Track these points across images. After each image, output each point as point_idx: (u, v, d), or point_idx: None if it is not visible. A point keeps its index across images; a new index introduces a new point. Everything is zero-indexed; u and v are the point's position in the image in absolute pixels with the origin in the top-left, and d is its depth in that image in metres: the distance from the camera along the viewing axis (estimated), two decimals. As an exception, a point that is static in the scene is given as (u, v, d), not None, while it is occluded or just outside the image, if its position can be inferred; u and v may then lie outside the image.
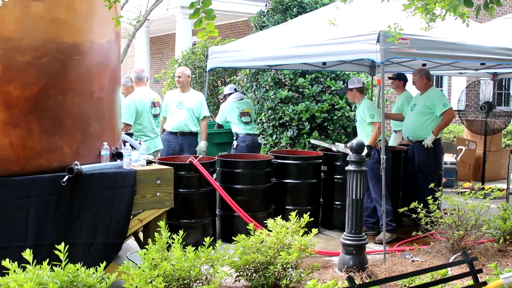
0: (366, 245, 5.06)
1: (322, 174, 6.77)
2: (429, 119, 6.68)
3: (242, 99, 8.24)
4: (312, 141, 8.35)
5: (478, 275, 3.64)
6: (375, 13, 6.32)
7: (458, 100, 10.96)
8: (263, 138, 9.39)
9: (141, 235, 5.22)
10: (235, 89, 8.53)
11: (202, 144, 7.50)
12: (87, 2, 4.41)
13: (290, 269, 4.36)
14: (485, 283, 3.61)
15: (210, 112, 8.63)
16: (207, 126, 7.64)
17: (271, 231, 4.48)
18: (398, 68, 8.63)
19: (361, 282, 4.23)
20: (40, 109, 4.16)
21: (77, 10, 4.33)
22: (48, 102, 4.19)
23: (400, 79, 8.05)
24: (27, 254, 3.43)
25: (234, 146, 7.94)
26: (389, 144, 7.69)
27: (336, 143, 7.21)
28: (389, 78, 9.11)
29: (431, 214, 5.50)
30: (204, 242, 4.03)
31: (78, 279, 3.37)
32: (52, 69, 4.20)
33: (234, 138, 7.98)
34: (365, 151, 6.06)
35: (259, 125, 9.50)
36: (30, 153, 4.17)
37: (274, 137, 9.33)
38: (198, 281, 3.89)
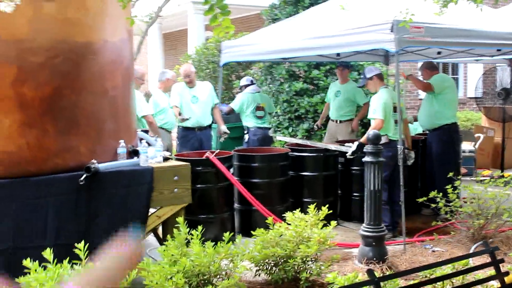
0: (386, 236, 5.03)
1: (339, 165, 6.73)
2: (436, 103, 6.70)
3: (258, 92, 8.23)
4: (279, 137, 8.26)
5: (500, 265, 3.58)
6: (389, 0, 6.25)
7: (475, 88, 10.84)
8: (279, 131, 9.34)
9: (160, 231, 5.23)
10: (252, 81, 8.48)
11: (223, 127, 7.55)
12: (98, 1, 4.41)
13: (310, 262, 4.35)
14: (507, 273, 3.55)
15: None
16: (220, 112, 7.75)
17: (290, 224, 4.46)
18: (412, 57, 8.54)
19: (381, 274, 4.22)
20: (54, 109, 4.17)
21: (89, 10, 4.33)
22: (62, 102, 4.21)
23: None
24: (47, 254, 3.45)
25: (246, 140, 7.93)
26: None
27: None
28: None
29: (451, 204, 5.45)
30: (223, 237, 4.02)
31: (98, 277, 3.37)
32: (65, 69, 4.21)
33: (245, 132, 7.97)
34: (354, 147, 5.79)
35: (275, 118, 9.47)
36: (47, 153, 4.19)
37: (290, 129, 9.28)
38: (218, 276, 3.88)
